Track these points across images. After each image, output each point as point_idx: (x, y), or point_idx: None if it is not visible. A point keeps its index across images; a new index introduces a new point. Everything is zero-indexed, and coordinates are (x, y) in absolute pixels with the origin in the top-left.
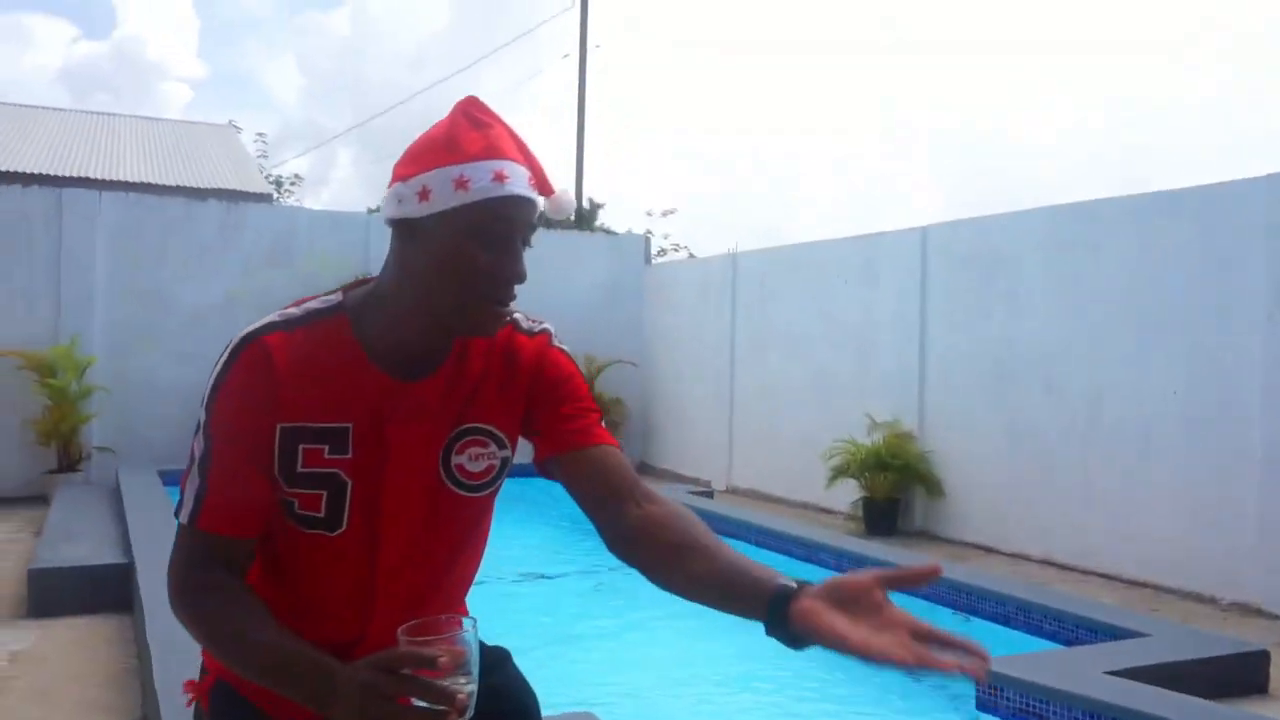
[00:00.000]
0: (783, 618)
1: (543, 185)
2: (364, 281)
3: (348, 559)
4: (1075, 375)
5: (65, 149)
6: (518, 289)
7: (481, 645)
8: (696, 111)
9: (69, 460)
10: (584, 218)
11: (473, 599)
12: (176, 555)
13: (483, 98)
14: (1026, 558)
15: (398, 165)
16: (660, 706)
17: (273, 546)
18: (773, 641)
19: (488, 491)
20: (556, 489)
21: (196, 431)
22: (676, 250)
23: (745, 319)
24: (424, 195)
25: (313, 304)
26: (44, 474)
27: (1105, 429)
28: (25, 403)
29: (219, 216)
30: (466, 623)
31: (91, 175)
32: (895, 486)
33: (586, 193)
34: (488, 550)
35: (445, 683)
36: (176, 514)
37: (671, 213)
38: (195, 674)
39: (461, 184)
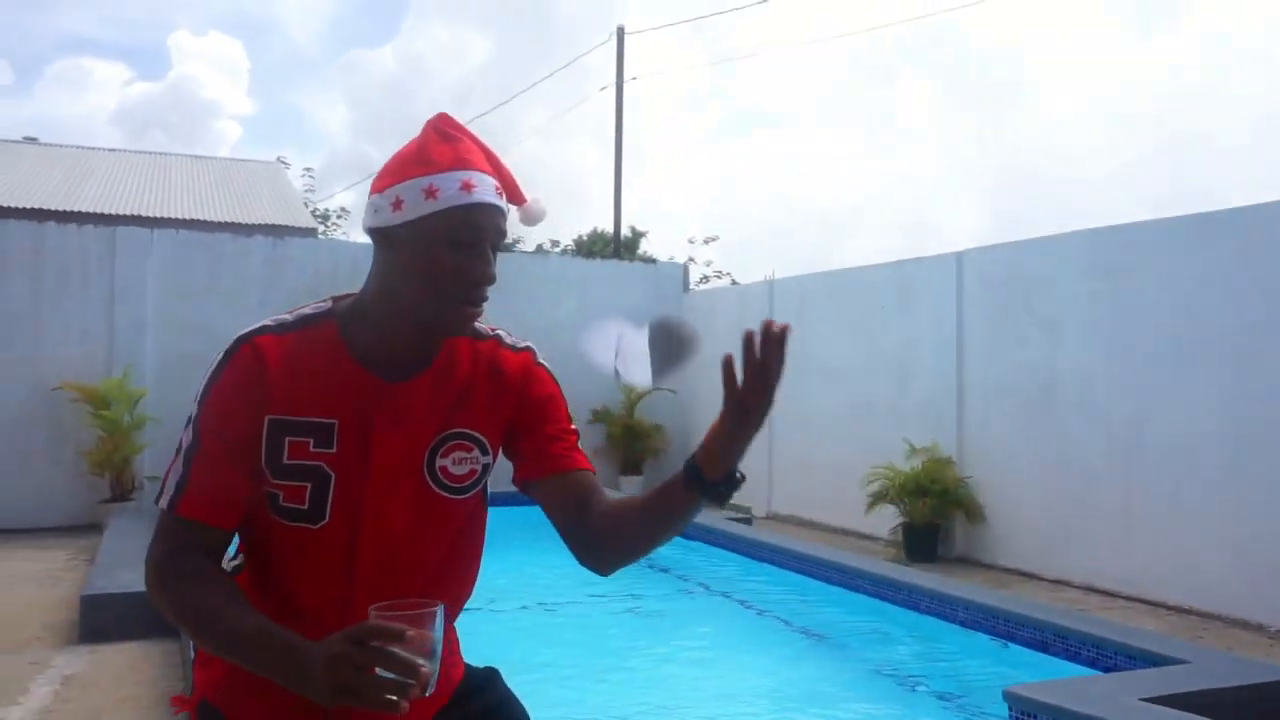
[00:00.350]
0: (695, 470)
1: (513, 194)
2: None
3: (329, 554)
4: (1116, 399)
5: (120, 188)
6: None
7: (470, 666)
8: (741, 137)
9: (121, 490)
10: (626, 246)
11: (509, 622)
12: (155, 539)
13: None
14: (1069, 584)
15: (375, 179)
16: None
17: (258, 548)
18: (806, 668)
19: (469, 495)
20: None
21: (187, 424)
22: (719, 277)
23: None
24: (397, 205)
25: (305, 310)
26: (97, 503)
27: (1147, 453)
28: (80, 434)
29: (265, 251)
30: (437, 608)
31: (144, 213)
32: (935, 512)
33: (629, 220)
34: (522, 573)
35: (409, 658)
36: (157, 500)
37: (714, 240)
38: (188, 691)
39: (431, 193)
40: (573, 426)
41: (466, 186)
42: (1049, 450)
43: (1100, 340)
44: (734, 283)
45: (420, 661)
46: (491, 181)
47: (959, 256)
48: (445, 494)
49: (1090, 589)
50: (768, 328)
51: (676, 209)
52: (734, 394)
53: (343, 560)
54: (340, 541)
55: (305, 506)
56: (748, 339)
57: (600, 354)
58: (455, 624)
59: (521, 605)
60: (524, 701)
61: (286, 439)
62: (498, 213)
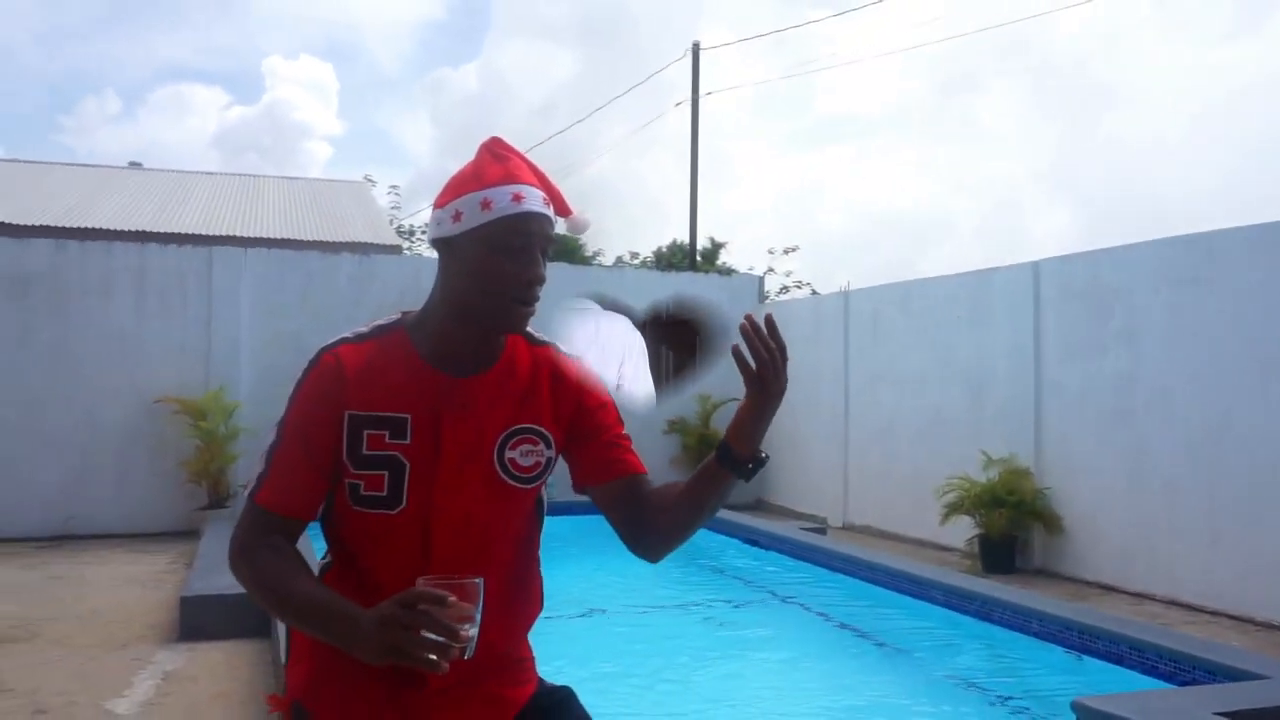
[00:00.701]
0: (726, 448)
1: (560, 207)
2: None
3: (407, 538)
4: (1197, 409)
5: (216, 210)
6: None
7: (544, 682)
8: (822, 145)
9: (217, 497)
10: (705, 257)
11: (578, 628)
12: (239, 522)
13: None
14: (1151, 597)
15: (438, 196)
16: None
17: (344, 542)
18: (875, 677)
19: (534, 485)
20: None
21: (276, 425)
22: (800, 287)
23: (858, 356)
24: (457, 217)
25: (378, 322)
26: (195, 510)
27: (1231, 464)
28: (179, 445)
29: (351, 268)
30: (478, 580)
31: (238, 233)
32: (1011, 524)
33: (710, 232)
34: (591, 580)
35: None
36: (244, 488)
37: (794, 250)
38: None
39: (486, 205)
40: (624, 431)
41: (516, 198)
42: (1129, 461)
43: (1181, 349)
44: (814, 293)
45: (461, 627)
46: (539, 194)
47: (1035, 266)
48: (514, 483)
49: (1174, 603)
50: (757, 321)
51: (757, 219)
52: (751, 377)
53: (419, 544)
54: (417, 525)
55: (384, 493)
56: (745, 329)
57: (604, 376)
58: (529, 638)
59: (587, 611)
60: (594, 710)
61: (365, 432)
62: (545, 220)
